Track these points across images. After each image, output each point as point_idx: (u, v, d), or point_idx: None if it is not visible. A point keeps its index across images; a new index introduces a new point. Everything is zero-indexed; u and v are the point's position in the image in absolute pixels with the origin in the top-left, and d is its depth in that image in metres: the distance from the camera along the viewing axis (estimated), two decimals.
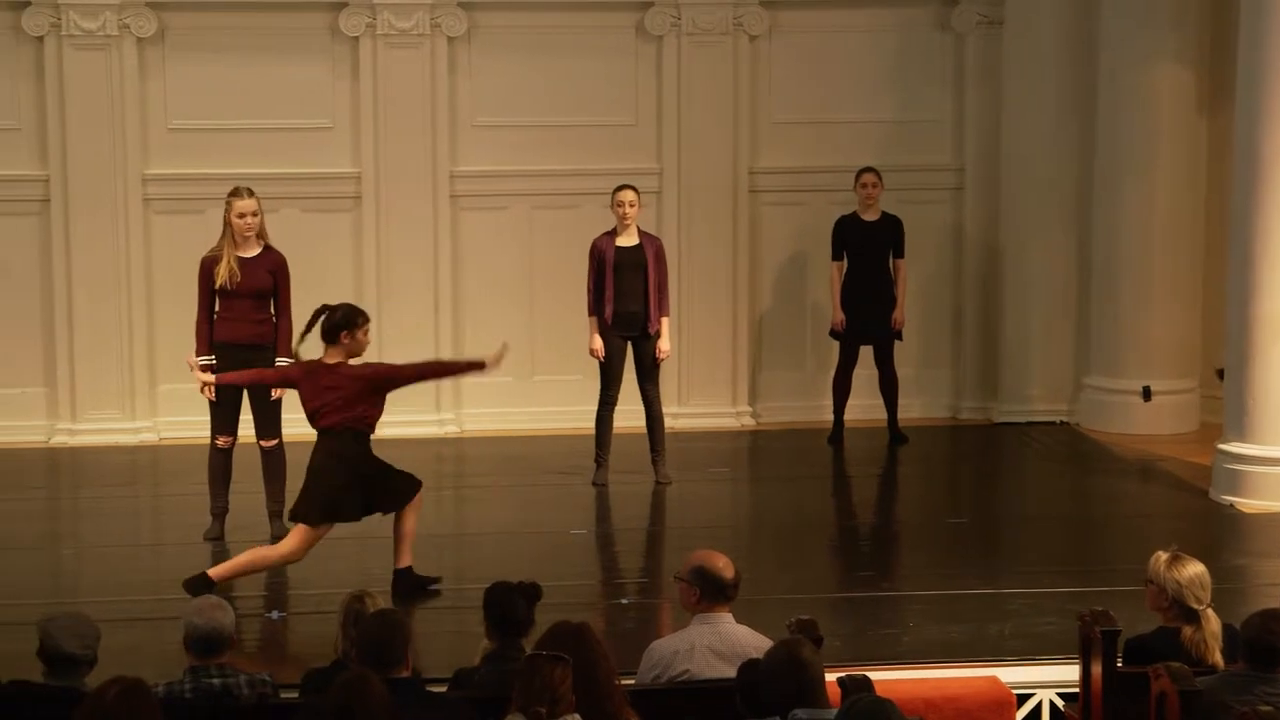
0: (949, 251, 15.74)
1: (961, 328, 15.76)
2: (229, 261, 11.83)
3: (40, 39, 14.74)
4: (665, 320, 13.32)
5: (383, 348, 15.10)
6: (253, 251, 11.92)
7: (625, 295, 13.19)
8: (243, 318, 11.96)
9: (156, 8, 14.80)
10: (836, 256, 14.58)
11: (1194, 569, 8.35)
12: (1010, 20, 15.31)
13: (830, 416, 14.79)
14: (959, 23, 15.48)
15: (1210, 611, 8.31)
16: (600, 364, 13.30)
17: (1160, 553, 8.45)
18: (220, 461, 12.11)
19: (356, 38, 15.00)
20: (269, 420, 12.08)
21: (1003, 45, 15.39)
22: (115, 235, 14.90)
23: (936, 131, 15.65)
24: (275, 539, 11.91)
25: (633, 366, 13.35)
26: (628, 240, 13.22)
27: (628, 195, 13.20)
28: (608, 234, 13.25)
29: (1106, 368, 15.23)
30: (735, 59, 15.32)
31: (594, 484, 13.37)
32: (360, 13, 14.92)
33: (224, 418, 12.05)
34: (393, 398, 14.87)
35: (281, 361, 11.83)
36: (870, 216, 14.50)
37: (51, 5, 14.66)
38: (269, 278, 11.95)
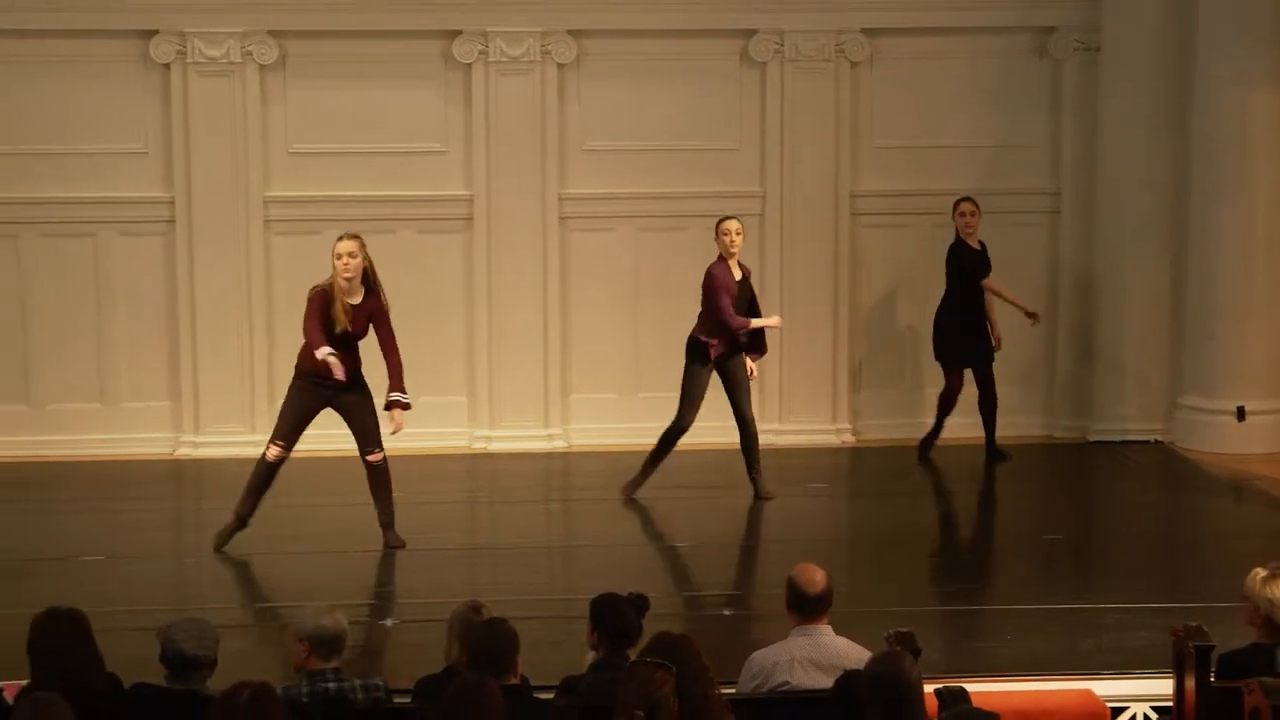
0: (1045, 273, 15.68)
1: (1057, 347, 15.68)
2: (341, 307, 11.80)
3: (167, 66, 14.88)
4: None
5: (493, 364, 15.23)
6: (356, 297, 11.86)
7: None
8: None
9: (278, 35, 14.92)
10: (962, 279, 14.46)
11: None
12: (1106, 46, 15.24)
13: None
14: (1056, 49, 15.43)
15: None
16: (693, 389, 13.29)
17: (1258, 569, 8.37)
18: (263, 470, 12.08)
19: (469, 64, 15.07)
20: (370, 434, 12.12)
21: (1099, 71, 15.33)
22: (237, 255, 15.03)
23: (1034, 156, 15.59)
24: (390, 549, 12.00)
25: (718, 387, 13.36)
26: (736, 272, 13.20)
27: (734, 224, 13.16)
28: (723, 263, 13.19)
29: (1201, 388, 15.13)
30: (836, 85, 15.31)
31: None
32: (473, 40, 15.00)
33: (284, 431, 12.07)
34: (506, 416, 15.03)
35: (395, 396, 11.89)
36: (974, 244, 14.47)
37: (177, 34, 14.80)
38: (365, 324, 11.91)
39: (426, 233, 15.24)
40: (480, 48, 15.03)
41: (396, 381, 11.97)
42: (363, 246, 11.89)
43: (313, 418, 12.13)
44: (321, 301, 11.84)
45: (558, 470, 14.62)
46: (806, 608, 8.29)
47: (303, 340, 11.92)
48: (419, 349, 14.96)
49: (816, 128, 15.32)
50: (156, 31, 14.82)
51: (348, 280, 11.82)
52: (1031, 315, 14.60)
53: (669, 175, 15.26)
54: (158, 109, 14.98)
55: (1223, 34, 14.62)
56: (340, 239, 11.94)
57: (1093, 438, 15.48)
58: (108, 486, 14.04)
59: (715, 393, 13.20)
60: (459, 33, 15.02)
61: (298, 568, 11.90)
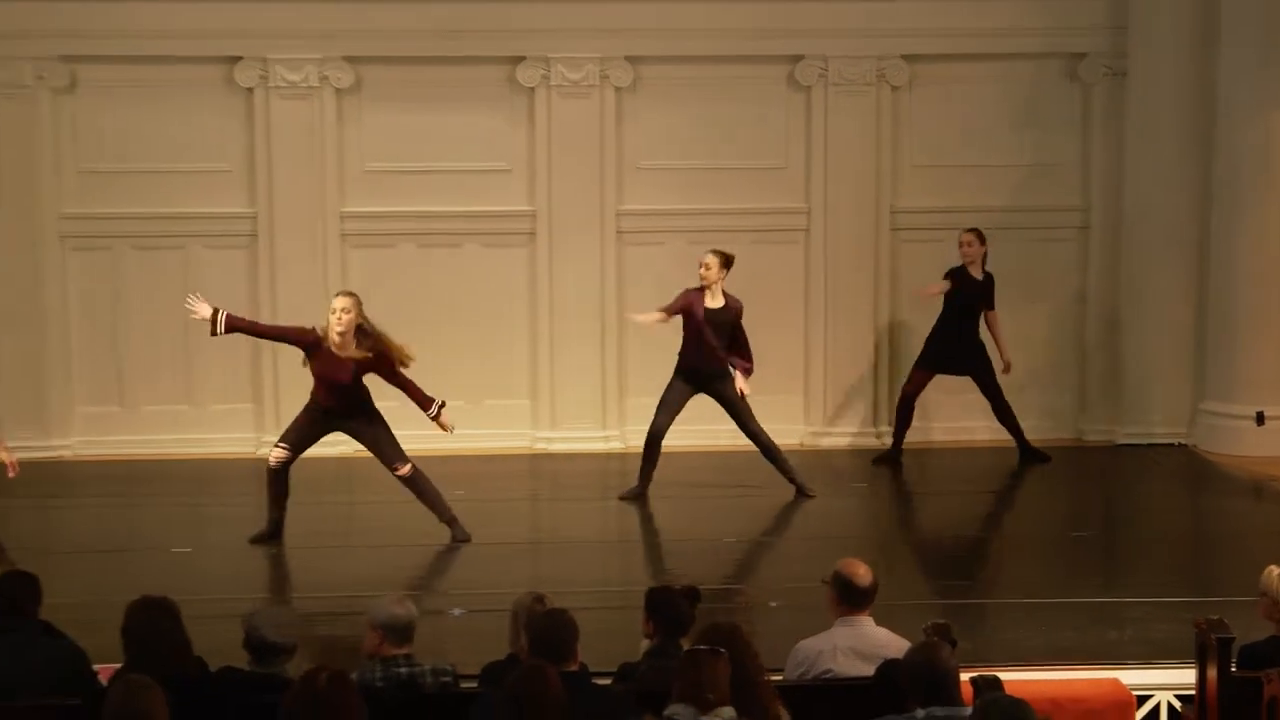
0: (1075, 285, 15.64)
1: (1086, 355, 15.64)
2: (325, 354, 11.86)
3: (250, 90, 14.96)
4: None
5: (554, 369, 15.25)
6: (348, 351, 11.84)
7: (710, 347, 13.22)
8: (330, 394, 12.00)
9: (354, 61, 14.98)
10: (956, 301, 14.43)
11: None
12: (1133, 71, 15.21)
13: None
14: (1085, 73, 15.39)
15: None
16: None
17: (1273, 567, 8.37)
18: (269, 477, 12.17)
19: (532, 88, 15.11)
20: (387, 452, 12.14)
21: (1126, 94, 15.29)
22: (315, 267, 15.09)
23: (1064, 174, 15.55)
24: (458, 541, 12.03)
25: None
26: (712, 300, 13.18)
27: (707, 257, 13.16)
28: (699, 290, 13.16)
29: (1222, 394, 15.09)
30: (878, 107, 15.31)
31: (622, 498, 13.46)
32: (536, 66, 15.03)
33: (291, 439, 12.14)
34: (566, 418, 15.05)
35: (430, 412, 12.03)
36: (976, 274, 14.43)
37: (260, 60, 14.87)
38: (357, 378, 11.91)
39: (491, 246, 15.27)
40: (543, 73, 15.07)
41: (422, 401, 12.03)
42: (357, 304, 11.88)
43: (317, 439, 12.24)
44: (312, 339, 11.92)
45: (614, 470, 14.62)
46: (855, 599, 8.29)
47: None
48: (484, 355, 15.08)
49: (858, 147, 15.32)
50: (241, 58, 14.90)
51: (340, 335, 11.82)
52: (1005, 365, 14.53)
53: (719, 192, 15.27)
54: (242, 130, 15.05)
55: (1244, 60, 14.59)
56: (336, 295, 12.00)
57: (1120, 441, 15.44)
58: (195, 483, 14.11)
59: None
60: (523, 59, 15.06)
61: (371, 561, 11.93)
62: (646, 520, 13.30)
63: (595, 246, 15.24)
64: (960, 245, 14.39)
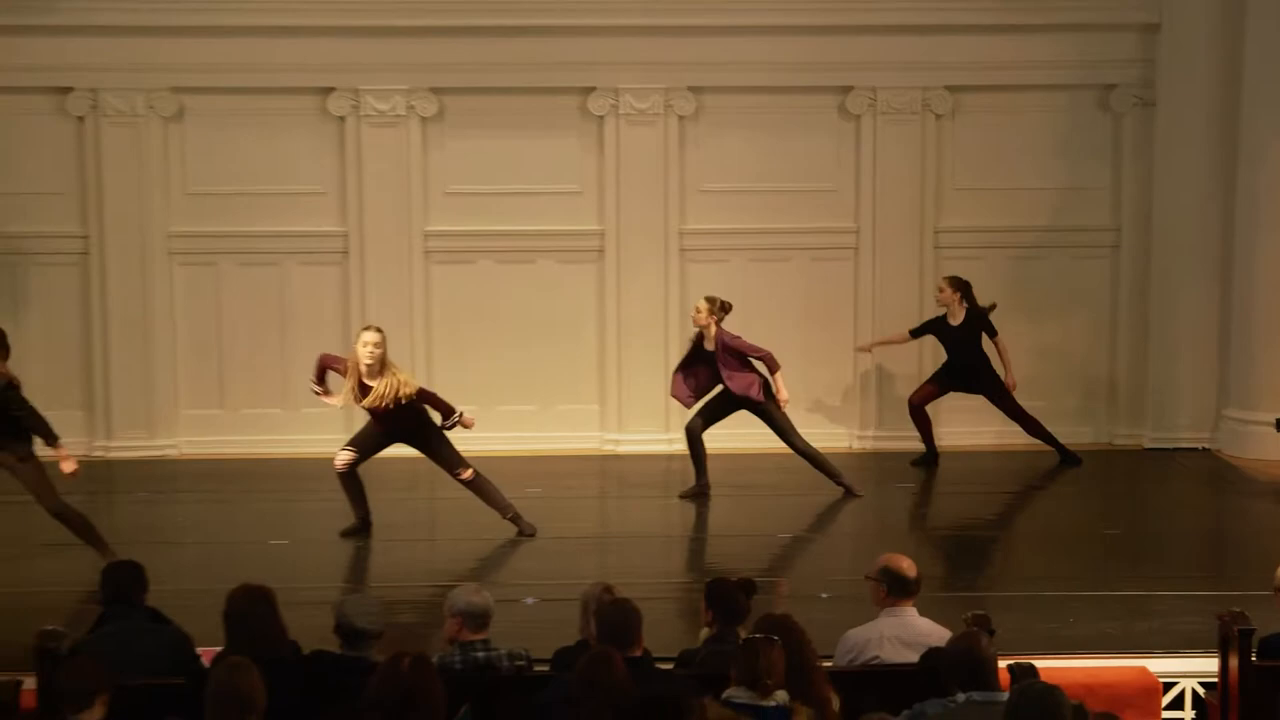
0: (1106, 300, 15.56)
1: (1117, 366, 15.56)
2: (352, 386, 11.88)
3: (342, 119, 15.02)
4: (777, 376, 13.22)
5: (621, 376, 15.26)
6: (373, 379, 11.83)
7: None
8: (377, 419, 12.06)
9: (437, 92, 15.02)
10: (916, 334, 14.53)
11: None
12: (1162, 102, 15.12)
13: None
14: (1117, 104, 15.32)
15: None
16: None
17: None
18: (340, 480, 12.23)
19: (602, 116, 15.12)
20: (448, 459, 12.15)
21: (1155, 123, 15.20)
22: (400, 282, 15.14)
23: (1096, 197, 15.47)
24: (524, 535, 12.05)
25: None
26: (710, 344, 13.16)
27: (697, 302, 13.23)
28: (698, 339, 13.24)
29: (1243, 402, 14.98)
30: (923, 135, 15.27)
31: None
32: (606, 96, 15.05)
33: (357, 441, 12.19)
34: (632, 422, 15.08)
35: (447, 422, 12.02)
36: (954, 321, 14.33)
37: (352, 91, 14.93)
38: (391, 407, 11.89)
39: (563, 262, 15.29)
40: (612, 102, 15.08)
41: (444, 411, 12.05)
42: (384, 340, 11.91)
43: (382, 448, 12.29)
44: (347, 365, 11.95)
45: (677, 470, 14.60)
46: (901, 590, 8.27)
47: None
48: (556, 363, 15.09)
49: (904, 171, 15.28)
50: (334, 89, 14.96)
51: (368, 366, 11.82)
52: (1011, 384, 14.39)
53: (775, 212, 15.25)
54: (334, 155, 15.11)
55: (1265, 92, 14.50)
56: (366, 329, 11.99)
57: (1148, 445, 15.35)
58: (289, 480, 14.17)
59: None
60: (593, 89, 15.08)
61: (451, 553, 11.99)
62: (705, 517, 13.30)
63: (659, 263, 15.24)
64: (937, 294, 14.40)
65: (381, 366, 11.82)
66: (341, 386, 12.08)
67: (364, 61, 14.88)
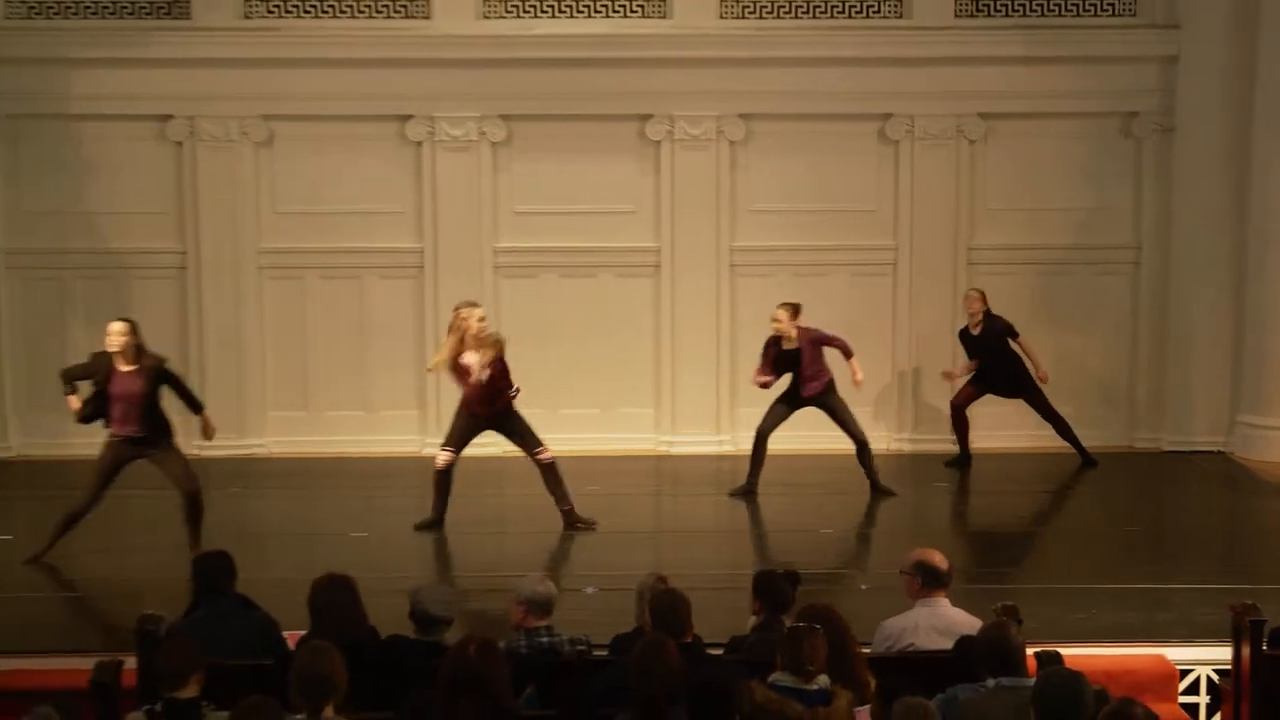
0: (1127, 313, 15.47)
1: (1137, 373, 15.47)
2: (454, 365, 11.97)
3: (419, 143, 15.07)
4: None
5: (675, 382, 15.25)
6: (476, 350, 11.92)
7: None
8: (480, 400, 12.06)
9: (507, 118, 15.05)
10: (970, 355, 14.48)
11: None
12: (1180, 128, 15.05)
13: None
14: (1138, 130, 15.24)
15: None
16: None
17: None
18: (437, 477, 12.23)
19: (659, 141, 15.13)
20: (528, 440, 12.16)
21: (1173, 148, 15.12)
22: (472, 295, 15.00)
23: (1119, 217, 15.39)
24: (575, 529, 12.04)
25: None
26: (789, 345, 13.16)
27: (777, 311, 13.18)
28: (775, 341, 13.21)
29: (1256, 407, 14.90)
30: (957, 158, 15.22)
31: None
32: (662, 122, 15.05)
33: (453, 439, 12.17)
34: (685, 424, 15.06)
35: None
36: (975, 330, 14.29)
37: (428, 118, 14.98)
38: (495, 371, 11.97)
39: (622, 276, 15.30)
40: (667, 128, 15.09)
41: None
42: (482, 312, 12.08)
43: (473, 439, 12.27)
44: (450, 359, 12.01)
45: (726, 469, 14.59)
46: (937, 581, 8.25)
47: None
48: (614, 369, 15.10)
49: (940, 193, 15.24)
50: (411, 116, 15.02)
51: (476, 337, 11.89)
52: (1042, 376, 14.33)
53: (819, 231, 15.23)
54: (411, 177, 15.16)
55: (1276, 120, 14.44)
56: (472, 305, 12.07)
57: (1166, 448, 15.26)
58: (368, 478, 14.21)
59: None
60: (651, 116, 15.09)
61: (517, 546, 11.99)
62: (753, 513, 13.28)
63: (711, 277, 15.23)
64: (966, 304, 14.35)
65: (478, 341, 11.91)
66: (441, 367, 12.15)
67: (439, 91, 14.93)
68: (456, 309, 12.13)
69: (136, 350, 11.09)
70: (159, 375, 11.16)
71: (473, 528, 12.56)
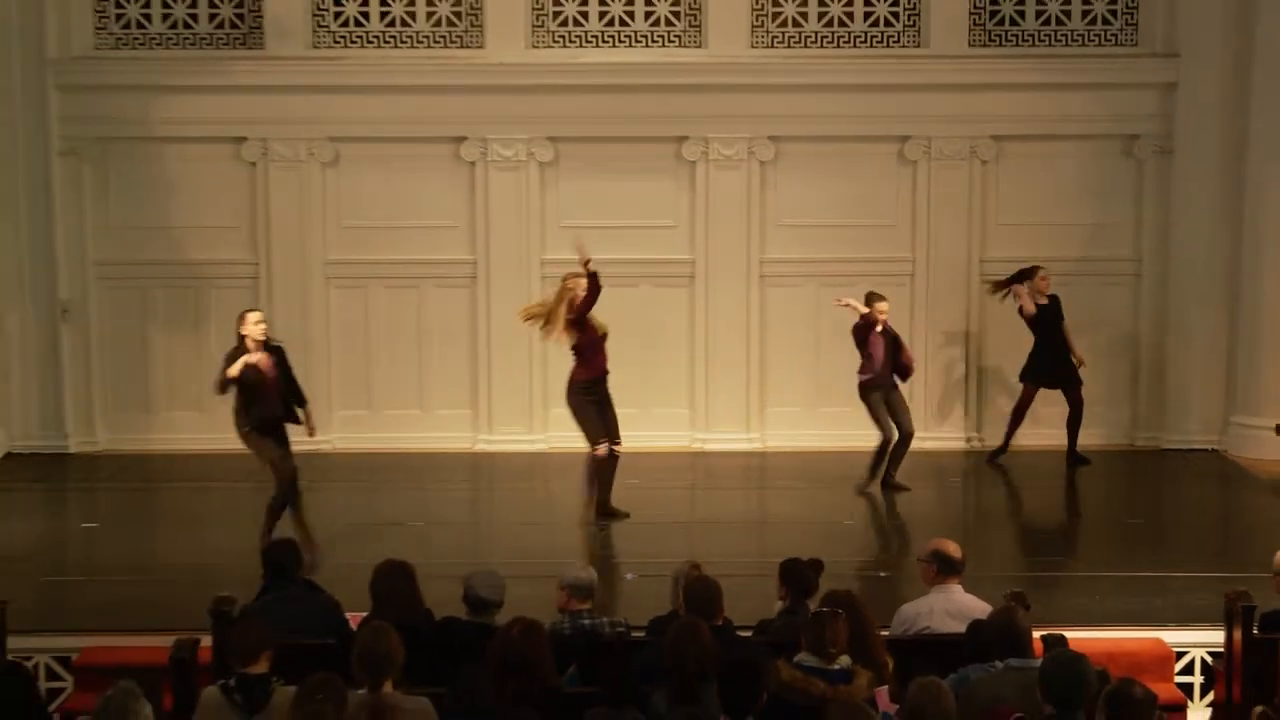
0: (1129, 320, 15.36)
1: (1138, 377, 15.36)
2: (559, 326, 12.14)
3: (472, 163, 15.06)
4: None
5: (709, 384, 15.24)
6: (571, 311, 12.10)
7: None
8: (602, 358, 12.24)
9: (554, 140, 15.05)
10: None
11: None
12: (1178, 150, 14.94)
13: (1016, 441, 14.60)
14: (1139, 152, 15.15)
15: None
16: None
17: None
18: (607, 465, 12.20)
19: (694, 161, 15.09)
20: (615, 424, 12.25)
21: (1172, 169, 15.00)
22: (521, 301, 14.95)
23: (1120, 232, 15.28)
24: (619, 518, 12.06)
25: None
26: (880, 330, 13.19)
27: (882, 305, 13.20)
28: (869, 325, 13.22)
29: (1248, 409, 14.80)
30: (970, 178, 15.14)
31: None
32: (697, 144, 15.03)
33: (602, 430, 12.16)
34: (718, 423, 15.02)
35: None
36: (1043, 301, 14.18)
37: (481, 140, 14.99)
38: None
39: (660, 286, 15.25)
40: (702, 149, 15.07)
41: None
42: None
43: (605, 414, 12.30)
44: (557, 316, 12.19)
45: (755, 465, 14.61)
46: (951, 569, 8.26)
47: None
48: (652, 371, 15.05)
49: (954, 209, 15.16)
50: (465, 138, 15.03)
51: (579, 298, 12.07)
52: (1079, 361, 14.29)
53: (843, 244, 15.16)
54: (464, 194, 15.15)
55: (1268, 143, 14.39)
56: (578, 276, 12.14)
57: (1165, 446, 15.13)
58: (425, 471, 14.21)
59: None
60: (686, 138, 15.07)
61: (562, 536, 12.00)
62: (781, 506, 13.28)
63: (742, 287, 15.19)
64: (1039, 280, 14.21)
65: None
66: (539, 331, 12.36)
67: (491, 115, 14.94)
68: (565, 279, 12.28)
69: (266, 338, 11.46)
70: (284, 360, 11.51)
71: (521, 518, 12.62)
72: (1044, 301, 14.20)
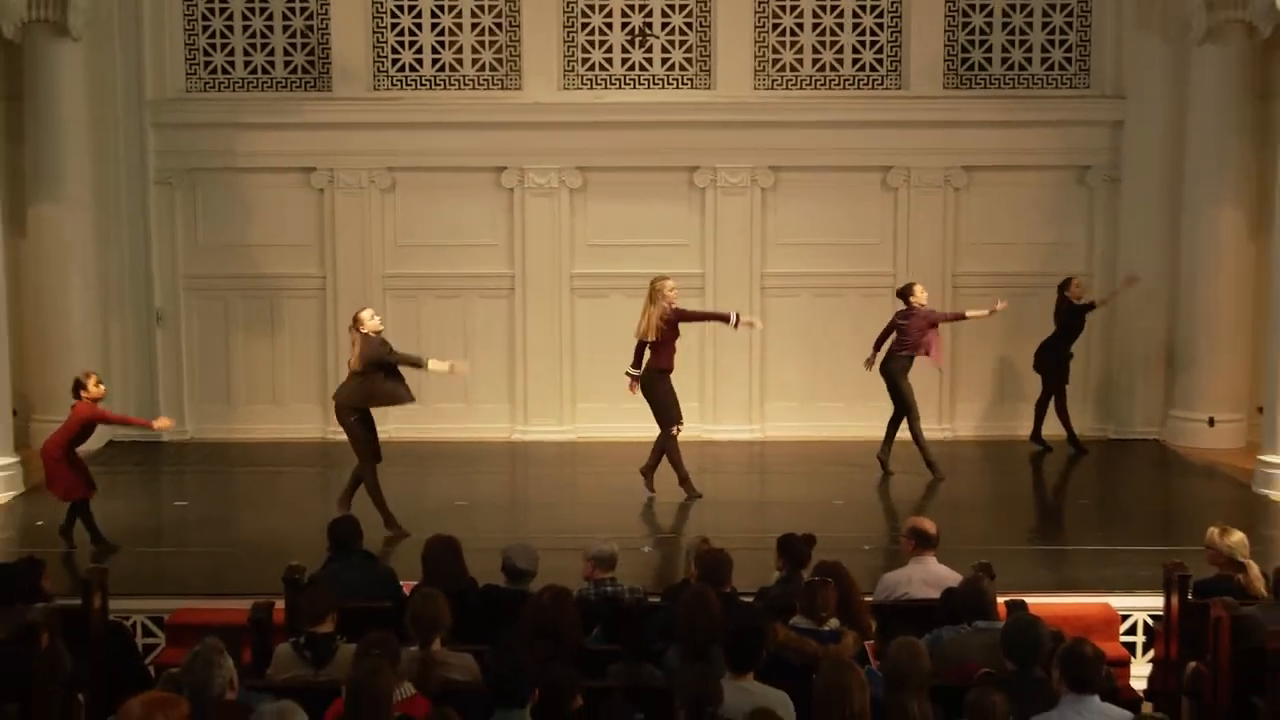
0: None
1: (1089, 375, 15.31)
2: (658, 329, 11.97)
3: (511, 190, 15.09)
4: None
5: (716, 380, 15.23)
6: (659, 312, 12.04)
7: None
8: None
9: (582, 169, 15.06)
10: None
11: (1237, 536, 8.19)
12: (1125, 179, 14.95)
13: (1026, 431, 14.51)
14: (1091, 181, 15.13)
15: (1251, 562, 8.10)
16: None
17: (1213, 528, 8.31)
18: (677, 445, 12.15)
19: (704, 188, 15.10)
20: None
21: (1120, 196, 15.01)
22: (553, 311, 15.19)
23: (1075, 250, 15.22)
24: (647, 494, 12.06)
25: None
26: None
27: (920, 291, 13.13)
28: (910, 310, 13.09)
29: (1185, 403, 14.79)
30: (944, 202, 15.12)
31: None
32: (706, 173, 15.03)
33: (680, 412, 12.15)
34: (724, 415, 14.93)
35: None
36: (1077, 301, 14.01)
37: (519, 169, 15.01)
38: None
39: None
40: (711, 177, 15.07)
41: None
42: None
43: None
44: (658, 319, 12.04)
45: (757, 453, 14.60)
46: (927, 543, 8.26)
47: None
48: None
49: (931, 229, 15.14)
50: (505, 168, 15.05)
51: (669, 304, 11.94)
52: (1131, 280, 14.22)
53: (834, 260, 15.16)
54: (504, 216, 15.17)
55: (1202, 174, 14.38)
56: (664, 279, 12.11)
57: (1111, 436, 15.11)
58: (467, 459, 14.21)
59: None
60: (697, 168, 15.07)
61: (587, 513, 11.99)
62: (779, 488, 13.26)
63: (746, 297, 15.15)
64: (1074, 286, 14.05)
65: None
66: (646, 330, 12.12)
67: (528, 148, 14.96)
68: (654, 281, 12.13)
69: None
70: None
71: (548, 498, 12.63)
72: (1076, 301, 14.02)
